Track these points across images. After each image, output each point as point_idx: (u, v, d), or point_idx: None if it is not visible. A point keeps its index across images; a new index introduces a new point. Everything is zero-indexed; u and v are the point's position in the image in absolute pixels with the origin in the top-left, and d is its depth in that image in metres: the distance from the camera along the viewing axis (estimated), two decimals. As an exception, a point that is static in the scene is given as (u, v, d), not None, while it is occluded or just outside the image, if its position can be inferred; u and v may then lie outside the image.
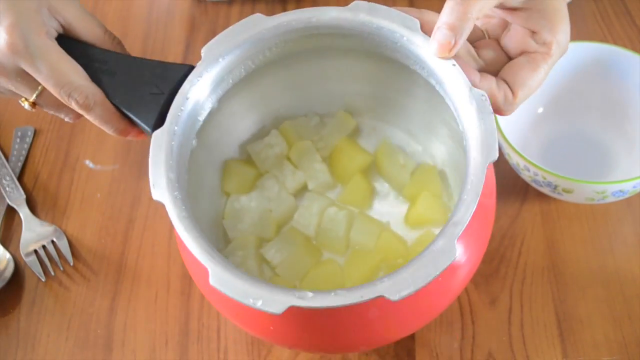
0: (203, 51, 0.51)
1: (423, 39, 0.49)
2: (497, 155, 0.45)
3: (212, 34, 0.84)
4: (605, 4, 0.83)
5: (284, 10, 0.84)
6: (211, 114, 0.53)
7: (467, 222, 0.43)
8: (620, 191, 0.60)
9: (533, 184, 0.63)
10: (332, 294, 0.42)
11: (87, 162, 0.73)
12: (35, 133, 0.76)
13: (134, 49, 0.83)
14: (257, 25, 0.52)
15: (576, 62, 0.69)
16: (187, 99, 0.50)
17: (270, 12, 0.51)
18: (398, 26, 0.50)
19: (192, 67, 0.51)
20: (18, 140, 0.75)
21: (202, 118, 0.51)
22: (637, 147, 0.67)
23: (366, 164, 0.62)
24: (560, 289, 0.61)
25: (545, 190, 0.63)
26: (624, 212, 0.65)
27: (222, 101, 0.53)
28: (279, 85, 0.60)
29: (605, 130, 0.69)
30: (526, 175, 0.62)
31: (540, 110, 0.71)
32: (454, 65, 0.48)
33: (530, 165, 0.60)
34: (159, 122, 0.49)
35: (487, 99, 0.47)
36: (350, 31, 0.52)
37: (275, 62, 0.54)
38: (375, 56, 0.53)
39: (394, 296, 0.41)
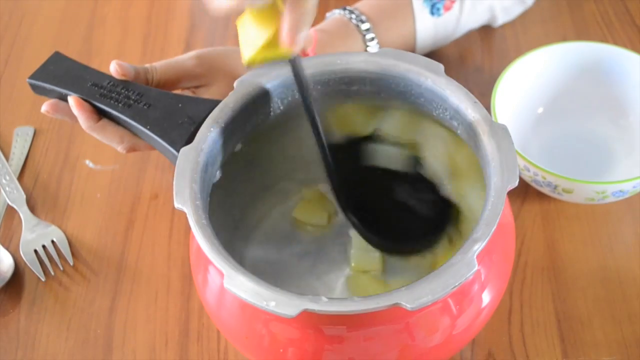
0: (235, 84, 0.53)
1: (447, 81, 0.51)
2: (517, 180, 0.46)
3: (212, 33, 0.84)
4: (605, 4, 0.82)
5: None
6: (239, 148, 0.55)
7: (488, 238, 0.44)
8: (620, 191, 0.60)
9: (533, 184, 0.63)
10: (348, 300, 0.42)
11: (87, 162, 0.73)
12: (35, 133, 0.76)
13: (134, 49, 0.83)
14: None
15: (576, 62, 0.69)
16: (216, 122, 0.51)
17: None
18: (423, 69, 0.52)
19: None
20: (18, 140, 0.75)
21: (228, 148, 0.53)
22: (637, 147, 0.67)
23: None
24: (560, 289, 0.61)
25: (545, 190, 0.63)
26: (624, 212, 0.65)
27: (250, 141, 0.55)
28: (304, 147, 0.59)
29: (605, 131, 0.69)
30: (526, 175, 0.62)
31: (540, 110, 0.71)
32: (475, 102, 0.50)
33: (530, 165, 0.60)
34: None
35: (507, 130, 0.48)
36: (378, 75, 0.53)
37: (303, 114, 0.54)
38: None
39: (411, 304, 0.41)
